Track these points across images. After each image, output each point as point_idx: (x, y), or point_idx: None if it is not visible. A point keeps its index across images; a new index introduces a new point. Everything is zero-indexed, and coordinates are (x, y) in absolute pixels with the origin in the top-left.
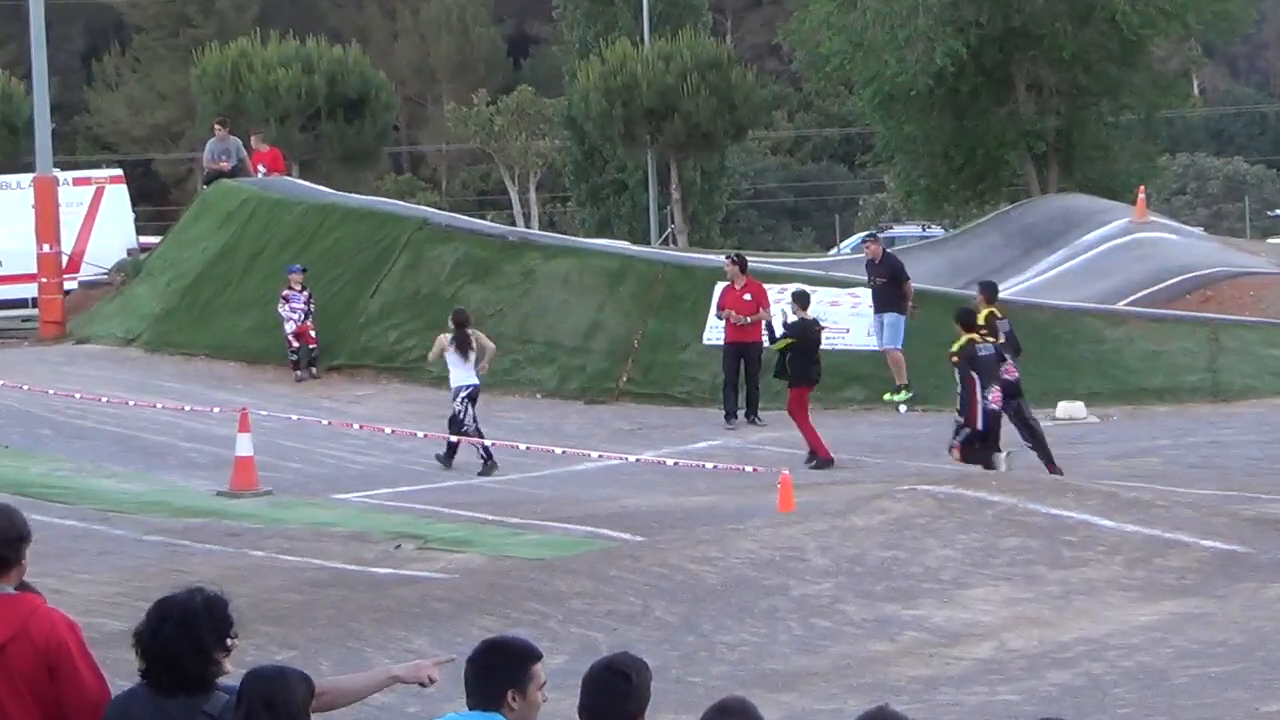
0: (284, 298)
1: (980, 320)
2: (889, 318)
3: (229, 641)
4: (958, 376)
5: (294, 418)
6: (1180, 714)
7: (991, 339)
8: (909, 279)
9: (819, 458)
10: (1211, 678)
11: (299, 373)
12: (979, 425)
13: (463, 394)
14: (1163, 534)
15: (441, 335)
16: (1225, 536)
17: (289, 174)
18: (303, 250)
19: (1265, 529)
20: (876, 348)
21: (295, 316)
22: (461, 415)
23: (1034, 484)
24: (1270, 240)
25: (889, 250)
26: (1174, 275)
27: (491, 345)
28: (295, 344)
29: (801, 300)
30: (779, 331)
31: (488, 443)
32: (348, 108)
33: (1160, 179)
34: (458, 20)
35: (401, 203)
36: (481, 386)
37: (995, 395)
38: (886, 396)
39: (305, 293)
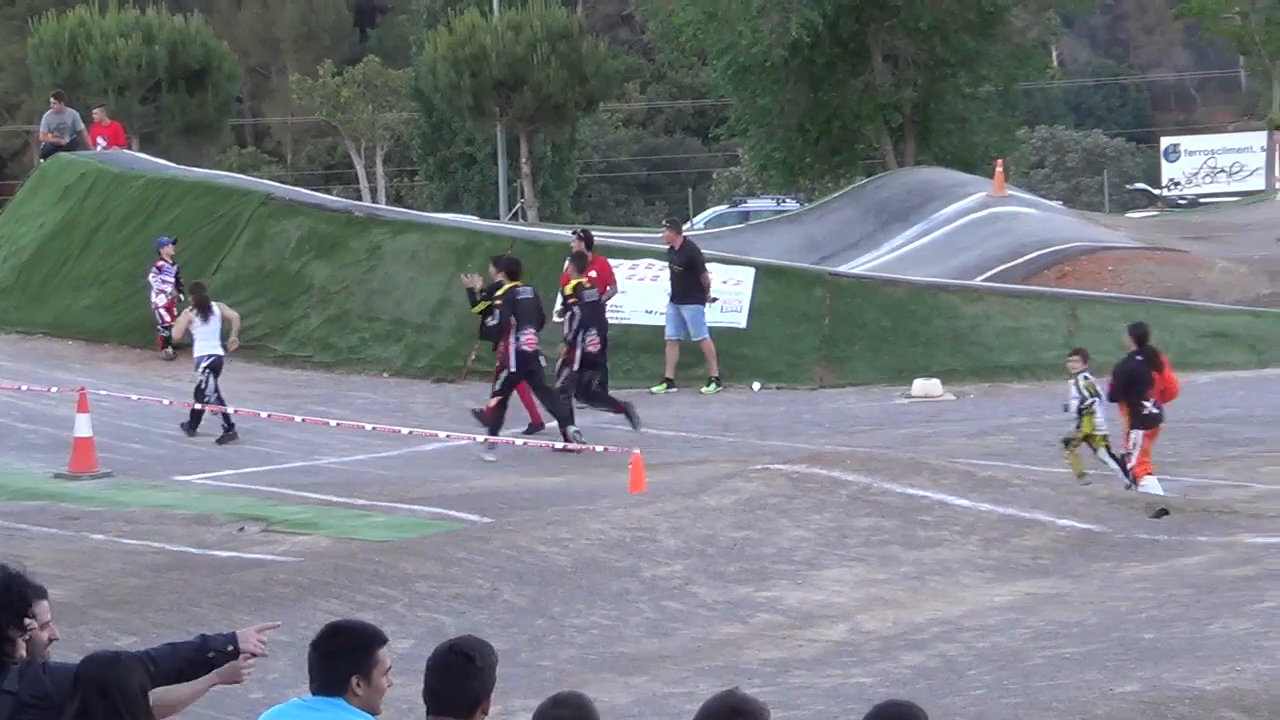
0: (157, 268)
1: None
2: (688, 310)
3: (26, 621)
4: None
5: (134, 398)
6: (1035, 695)
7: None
8: (705, 270)
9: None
10: (1067, 658)
11: (168, 350)
12: (511, 365)
13: (204, 363)
14: (1019, 513)
15: (187, 310)
16: (1081, 515)
17: (129, 147)
18: (143, 226)
19: (1121, 508)
20: (668, 336)
21: (167, 290)
22: (204, 385)
23: (889, 463)
24: (1129, 215)
25: (689, 238)
26: (1032, 250)
27: (235, 314)
28: (167, 318)
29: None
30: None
31: (230, 410)
32: (189, 79)
33: (1018, 152)
34: None
35: (244, 177)
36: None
37: (528, 337)
38: (703, 389)
39: (175, 266)
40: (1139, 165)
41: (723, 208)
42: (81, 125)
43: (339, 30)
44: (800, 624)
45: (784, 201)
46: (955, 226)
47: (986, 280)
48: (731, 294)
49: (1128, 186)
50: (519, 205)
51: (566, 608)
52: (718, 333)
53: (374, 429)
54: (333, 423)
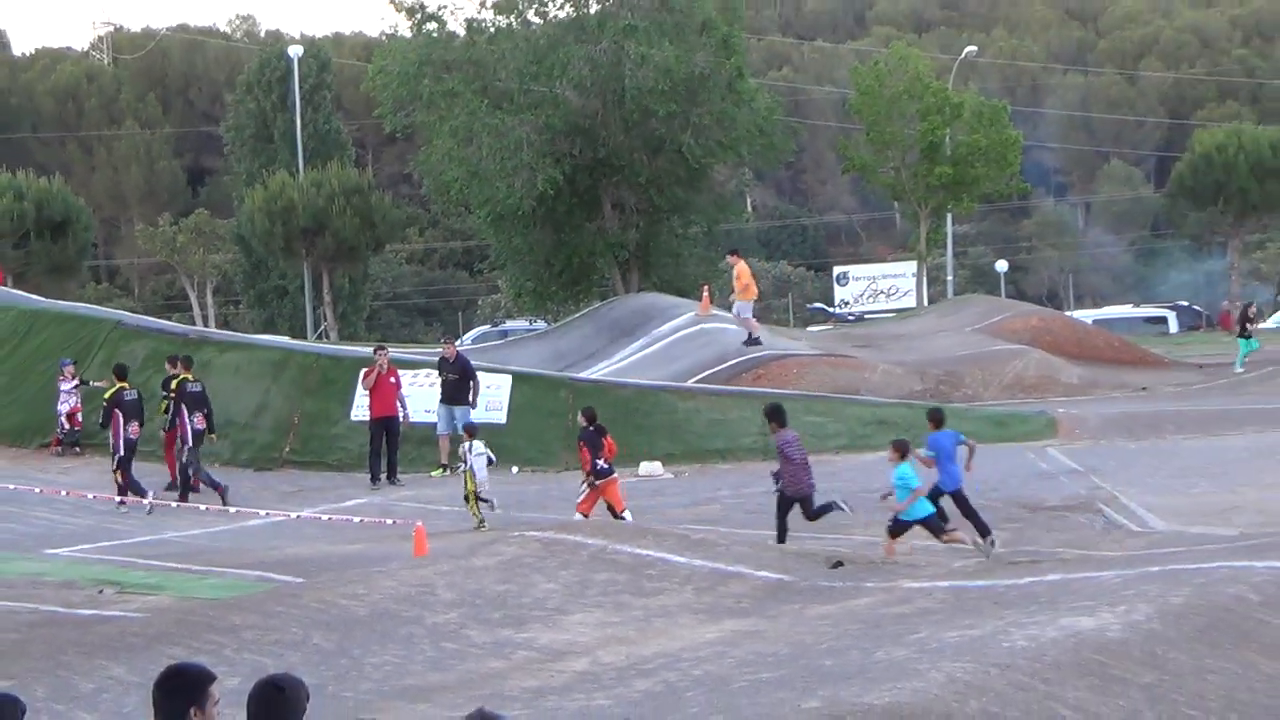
0: (62, 379)
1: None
2: (459, 410)
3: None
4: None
5: (11, 486)
6: (739, 712)
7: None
8: (476, 376)
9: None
10: (764, 681)
11: (59, 448)
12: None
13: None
14: (725, 567)
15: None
16: (774, 568)
17: (4, 284)
18: (16, 349)
19: (805, 560)
20: (440, 432)
21: (71, 400)
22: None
23: (621, 529)
24: (810, 329)
25: (461, 352)
26: (732, 358)
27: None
28: (67, 425)
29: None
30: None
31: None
32: (53, 229)
33: (720, 280)
34: (145, 155)
35: (99, 307)
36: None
37: (134, 428)
38: (431, 473)
39: (75, 381)
40: (816, 289)
41: (486, 328)
42: None
43: (175, 188)
44: (552, 658)
45: (534, 322)
46: (671, 340)
47: (696, 382)
48: (494, 396)
49: (808, 306)
50: (323, 328)
51: (364, 649)
52: (486, 427)
53: (207, 509)
54: (173, 504)
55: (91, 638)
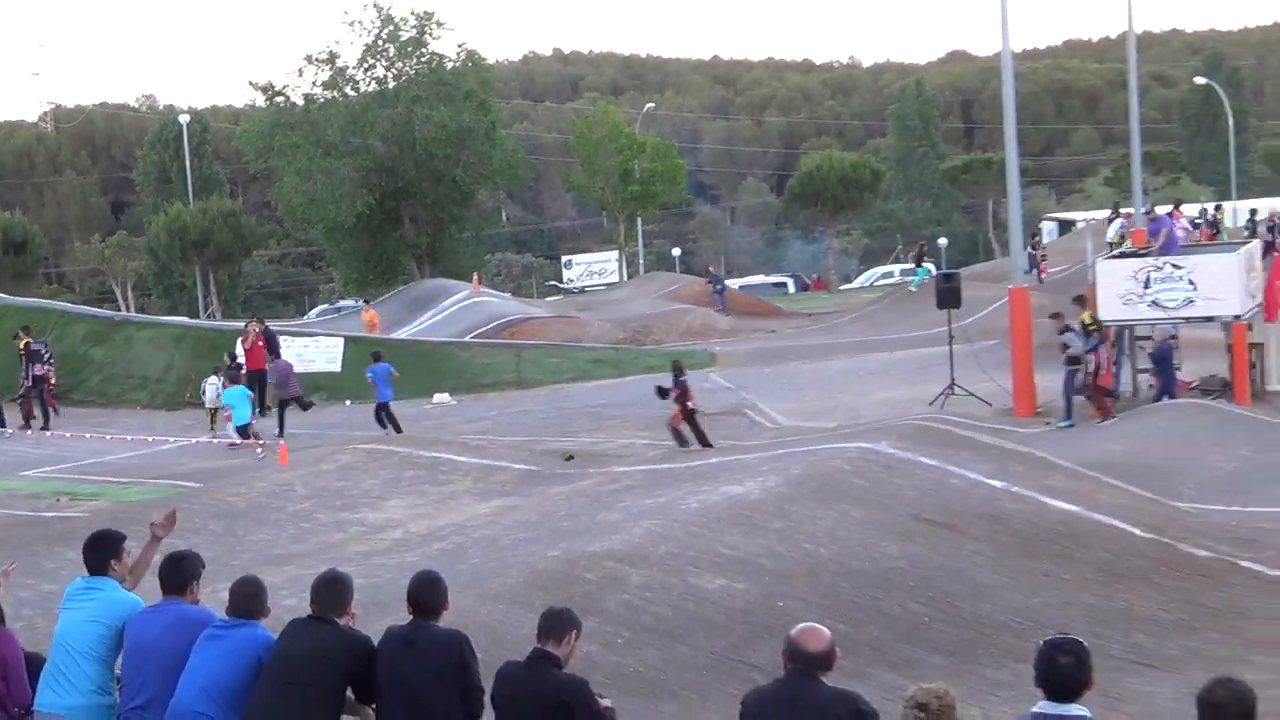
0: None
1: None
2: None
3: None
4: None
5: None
6: (504, 559)
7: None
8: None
9: None
10: (522, 539)
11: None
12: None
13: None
14: (493, 462)
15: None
16: (528, 462)
17: None
18: None
19: (548, 456)
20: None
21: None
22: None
23: (421, 440)
24: (549, 299)
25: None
26: (496, 320)
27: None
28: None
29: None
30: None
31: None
32: (15, 247)
33: (486, 269)
34: (80, 194)
35: (51, 301)
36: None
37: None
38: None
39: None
40: (551, 272)
41: (325, 306)
42: None
43: (102, 217)
44: (376, 531)
45: (359, 301)
46: (453, 310)
47: (472, 338)
48: (333, 353)
49: (548, 283)
50: (210, 310)
51: (245, 531)
52: (326, 374)
53: (132, 439)
54: (108, 436)
55: (52, 532)
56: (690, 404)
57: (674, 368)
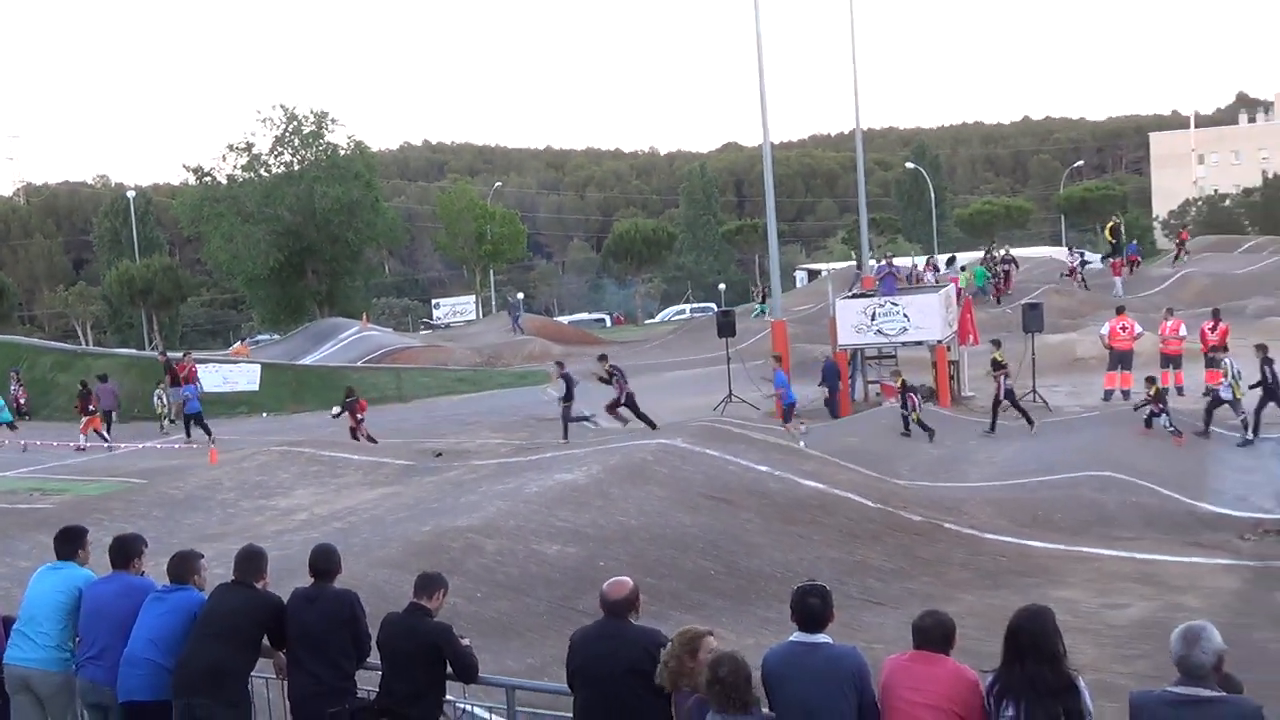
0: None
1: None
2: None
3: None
4: None
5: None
6: (388, 534)
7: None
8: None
9: None
10: (402, 519)
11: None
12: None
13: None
14: (379, 459)
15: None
16: (407, 458)
17: None
18: None
19: (422, 453)
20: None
21: (19, 390)
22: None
23: (325, 443)
24: (420, 332)
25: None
26: (380, 349)
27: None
28: (20, 403)
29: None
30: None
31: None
32: None
33: (373, 310)
34: (47, 254)
35: (26, 338)
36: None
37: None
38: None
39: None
40: (423, 312)
41: (249, 338)
42: None
43: (65, 272)
44: (288, 514)
45: (273, 334)
46: (348, 342)
47: (363, 364)
48: (252, 375)
49: (421, 320)
50: (155, 344)
51: (182, 516)
52: (246, 393)
53: (89, 446)
54: (72, 444)
55: (26, 520)
56: (628, 390)
57: (610, 370)
